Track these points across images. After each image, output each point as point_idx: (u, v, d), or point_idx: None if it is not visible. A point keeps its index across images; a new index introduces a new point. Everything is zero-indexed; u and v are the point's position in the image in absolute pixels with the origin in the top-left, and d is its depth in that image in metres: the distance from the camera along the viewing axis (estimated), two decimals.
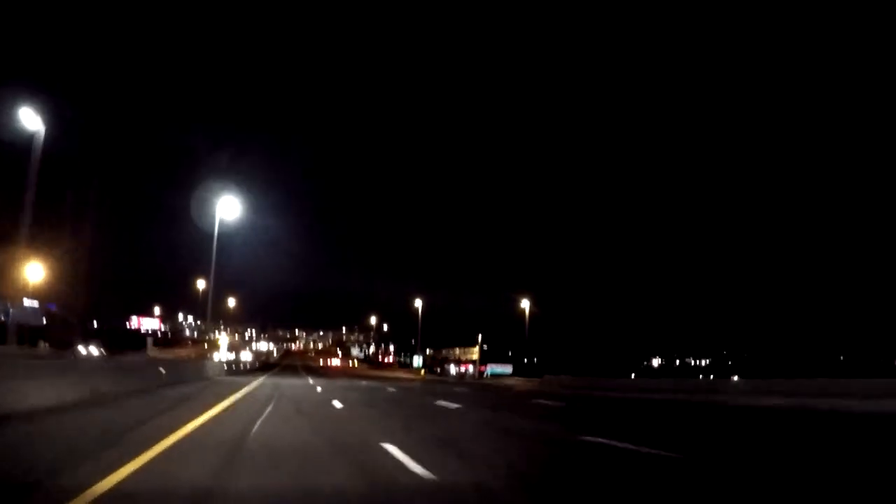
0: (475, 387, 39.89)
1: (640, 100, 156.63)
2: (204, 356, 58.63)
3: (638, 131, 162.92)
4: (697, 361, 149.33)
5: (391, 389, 27.02)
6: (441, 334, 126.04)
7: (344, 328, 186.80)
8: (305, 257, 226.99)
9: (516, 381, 62.41)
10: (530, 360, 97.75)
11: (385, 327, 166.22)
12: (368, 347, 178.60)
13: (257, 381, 31.38)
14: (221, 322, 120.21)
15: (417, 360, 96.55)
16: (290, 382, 32.47)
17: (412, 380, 55.72)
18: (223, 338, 62.02)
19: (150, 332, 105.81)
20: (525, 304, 70.75)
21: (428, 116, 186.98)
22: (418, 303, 78.16)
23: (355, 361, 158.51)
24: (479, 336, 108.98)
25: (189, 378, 26.15)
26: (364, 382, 36.87)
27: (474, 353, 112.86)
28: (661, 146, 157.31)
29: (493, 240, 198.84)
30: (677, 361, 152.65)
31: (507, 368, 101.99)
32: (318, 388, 25.31)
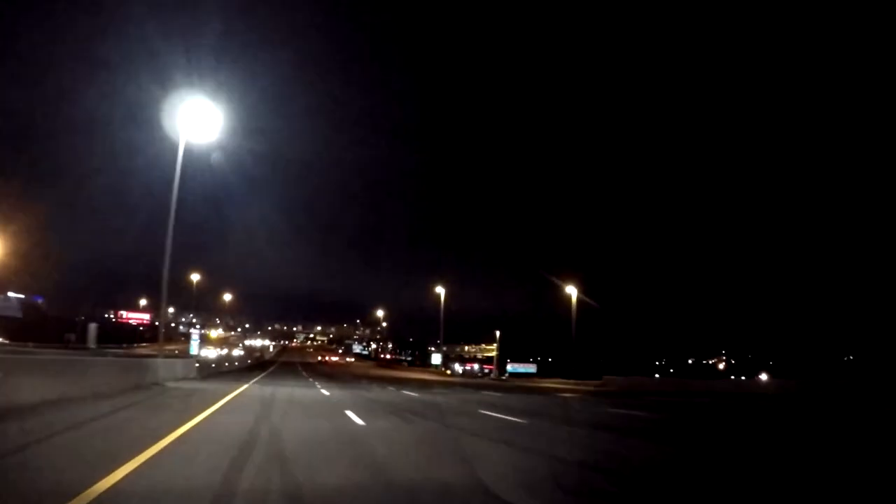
0: (553, 394, 26.88)
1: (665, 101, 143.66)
2: (181, 353, 45.92)
3: (639, 131, 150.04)
4: (704, 361, 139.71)
5: (500, 415, 13.74)
6: (448, 330, 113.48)
7: (345, 324, 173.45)
8: (303, 252, 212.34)
9: (559, 384, 49.54)
10: (566, 358, 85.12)
11: (384, 324, 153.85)
12: (369, 344, 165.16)
13: (238, 391, 18.61)
14: (217, 317, 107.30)
15: (437, 358, 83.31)
16: (291, 394, 19.58)
17: (449, 383, 42.69)
18: (195, 332, 49.30)
19: (128, 321, 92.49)
20: (571, 292, 57.76)
21: (446, 99, 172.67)
22: (439, 290, 65.14)
23: (352, 359, 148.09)
24: (497, 333, 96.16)
25: (109, 389, 13.26)
26: (412, 393, 23.50)
27: (491, 351, 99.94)
28: (658, 146, 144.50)
29: (502, 232, 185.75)
30: (689, 361, 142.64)
31: (530, 368, 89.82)
32: (353, 416, 12.04)
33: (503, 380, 66.23)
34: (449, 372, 73.98)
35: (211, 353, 78.31)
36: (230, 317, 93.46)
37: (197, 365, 28.62)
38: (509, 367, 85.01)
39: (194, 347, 34.51)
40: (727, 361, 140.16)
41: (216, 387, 20.66)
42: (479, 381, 58.75)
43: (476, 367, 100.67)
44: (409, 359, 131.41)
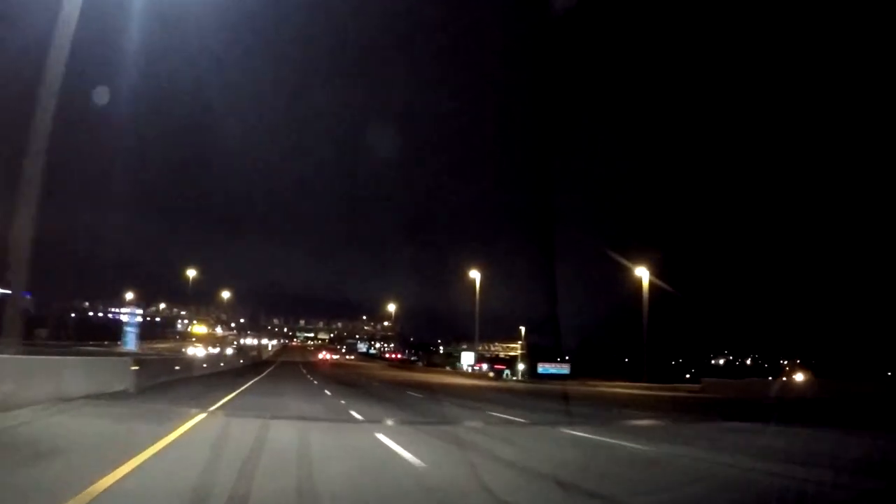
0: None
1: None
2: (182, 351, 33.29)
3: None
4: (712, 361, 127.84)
5: None
6: (461, 328, 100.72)
7: (349, 321, 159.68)
8: (304, 246, 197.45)
9: (635, 389, 36.95)
10: (607, 356, 72.78)
11: (385, 323, 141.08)
12: (372, 343, 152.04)
13: (164, 442, 5.89)
14: (209, 312, 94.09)
15: (467, 358, 70.23)
16: (306, 461, 6.38)
17: (529, 392, 29.56)
18: (128, 316, 35.01)
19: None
20: (642, 275, 45.32)
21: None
22: (474, 274, 52.44)
23: (352, 357, 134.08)
24: (522, 329, 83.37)
25: None
26: (628, 443, 9.91)
27: (514, 350, 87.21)
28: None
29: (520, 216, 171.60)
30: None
31: (563, 368, 77.34)
32: None
33: (530, 382, 53.86)
34: (492, 374, 61.24)
35: (199, 351, 65.89)
36: (222, 311, 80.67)
37: (135, 368, 15.79)
38: (539, 368, 72.84)
39: (130, 341, 21.29)
40: (734, 361, 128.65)
41: (121, 428, 8.00)
42: (513, 384, 46.07)
43: (485, 366, 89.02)
44: (415, 358, 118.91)
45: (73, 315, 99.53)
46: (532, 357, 77.47)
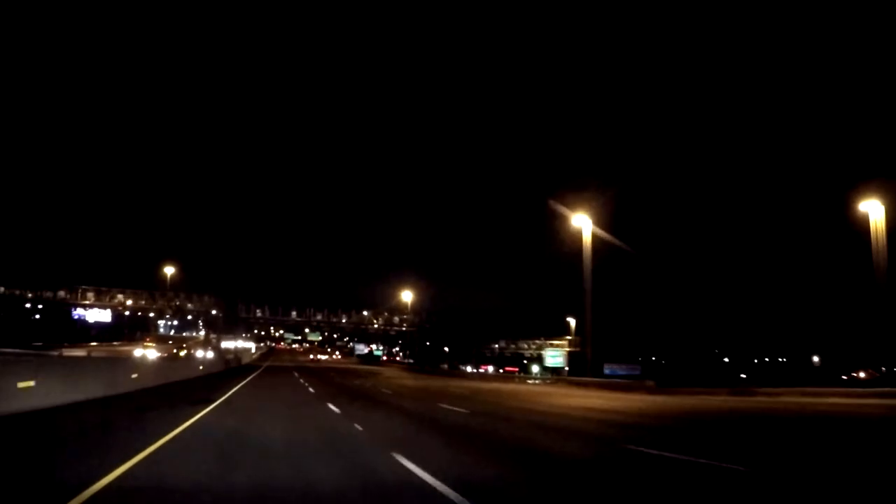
0: None
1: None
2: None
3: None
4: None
5: None
6: (487, 327, 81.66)
7: (344, 318, 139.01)
8: (294, 236, 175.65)
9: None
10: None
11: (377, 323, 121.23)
12: (370, 343, 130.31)
13: None
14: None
15: (554, 357, 50.67)
16: None
17: None
18: None
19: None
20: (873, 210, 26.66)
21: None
22: (581, 220, 33.22)
23: (339, 357, 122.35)
24: (572, 321, 63.95)
25: None
26: None
27: (560, 346, 67.47)
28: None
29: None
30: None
31: (634, 370, 60.01)
32: None
33: (614, 392, 35.63)
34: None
35: (150, 353, 46.85)
36: (188, 302, 60.88)
37: None
38: (606, 368, 55.05)
39: None
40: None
41: None
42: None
43: (490, 368, 73.60)
44: (411, 361, 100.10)
45: (28, 306, 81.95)
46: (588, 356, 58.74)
